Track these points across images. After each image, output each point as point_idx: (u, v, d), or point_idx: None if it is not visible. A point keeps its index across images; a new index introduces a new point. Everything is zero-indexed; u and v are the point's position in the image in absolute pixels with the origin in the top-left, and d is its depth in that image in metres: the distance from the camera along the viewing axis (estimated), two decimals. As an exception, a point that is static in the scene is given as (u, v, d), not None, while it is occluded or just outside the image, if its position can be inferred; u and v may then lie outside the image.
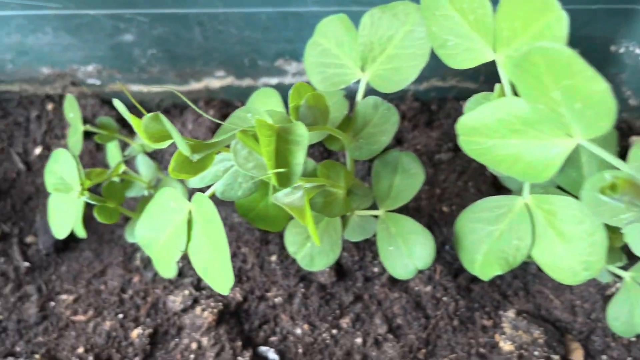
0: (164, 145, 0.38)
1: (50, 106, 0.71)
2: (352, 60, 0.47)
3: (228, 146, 0.37)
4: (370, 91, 0.47)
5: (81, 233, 0.49)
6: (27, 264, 0.62)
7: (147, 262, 0.60)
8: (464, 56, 0.39)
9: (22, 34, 0.63)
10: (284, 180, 0.34)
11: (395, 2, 0.44)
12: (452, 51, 0.39)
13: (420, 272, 0.55)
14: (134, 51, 0.64)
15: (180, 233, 0.40)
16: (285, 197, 0.35)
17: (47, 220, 0.63)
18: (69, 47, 0.64)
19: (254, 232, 0.60)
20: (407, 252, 0.46)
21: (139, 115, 0.66)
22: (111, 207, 0.46)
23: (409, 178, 0.46)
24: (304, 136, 0.34)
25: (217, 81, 0.67)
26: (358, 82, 0.47)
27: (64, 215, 0.45)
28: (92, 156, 0.69)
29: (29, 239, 0.64)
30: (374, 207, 0.50)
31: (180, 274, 0.60)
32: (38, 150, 0.69)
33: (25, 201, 0.66)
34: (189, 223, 0.40)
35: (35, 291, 0.60)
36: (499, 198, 0.45)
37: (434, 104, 0.68)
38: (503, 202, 0.44)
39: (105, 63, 0.66)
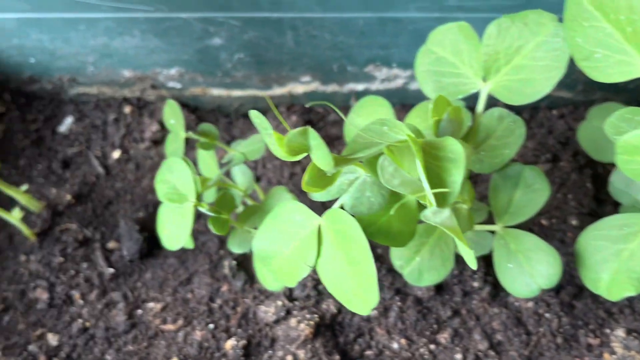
0: (299, 158, 0.37)
1: (127, 109, 0.70)
2: (472, 70, 0.45)
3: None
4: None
5: (189, 244, 0.47)
6: (111, 270, 0.61)
7: (236, 271, 0.59)
8: (613, 69, 0.37)
9: (109, 36, 0.62)
10: (441, 199, 0.32)
11: (526, 12, 0.42)
12: (599, 64, 0.38)
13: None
14: (221, 55, 0.63)
15: (307, 248, 0.39)
16: (434, 216, 0.34)
17: (131, 228, 0.62)
18: (155, 50, 0.63)
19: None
20: (530, 270, 0.44)
21: (214, 120, 0.65)
22: (225, 217, 0.45)
23: (531, 193, 0.45)
24: (459, 153, 0.33)
25: (301, 86, 0.66)
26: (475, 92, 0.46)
27: (177, 226, 0.44)
28: (171, 161, 0.68)
29: (111, 245, 0.63)
30: (486, 222, 0.49)
31: (269, 283, 0.59)
32: (117, 154, 0.68)
33: (105, 206, 0.66)
34: (319, 238, 0.38)
35: (122, 298, 0.59)
36: (627, 216, 0.43)
37: (526, 112, 0.66)
38: (632, 220, 0.43)
39: (188, 67, 0.65)
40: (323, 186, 0.39)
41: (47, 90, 0.71)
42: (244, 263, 0.60)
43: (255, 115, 0.36)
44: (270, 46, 0.61)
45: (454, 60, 0.46)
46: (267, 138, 0.37)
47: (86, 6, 0.58)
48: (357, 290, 0.36)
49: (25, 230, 0.62)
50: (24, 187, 0.60)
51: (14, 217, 0.59)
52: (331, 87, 0.65)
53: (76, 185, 0.66)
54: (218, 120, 0.70)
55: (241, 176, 0.53)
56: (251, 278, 0.59)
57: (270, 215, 0.41)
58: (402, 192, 0.34)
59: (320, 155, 0.34)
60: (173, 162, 0.44)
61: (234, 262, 0.60)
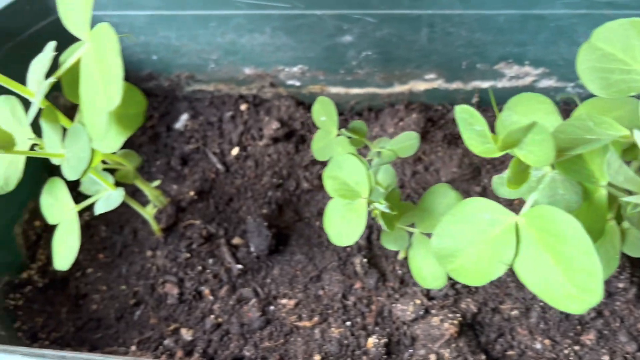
0: (502, 154, 0.36)
1: (243, 107, 0.71)
2: (646, 66, 0.44)
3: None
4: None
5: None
6: (239, 266, 0.61)
7: (367, 269, 0.59)
8: None
9: (238, 33, 0.62)
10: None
11: None
12: None
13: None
14: (348, 52, 0.62)
15: (502, 246, 0.38)
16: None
17: (259, 224, 0.62)
18: (281, 47, 0.63)
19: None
20: None
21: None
22: (395, 214, 0.45)
23: None
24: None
25: (423, 84, 0.65)
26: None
27: (349, 222, 0.44)
28: (289, 158, 0.68)
29: (235, 241, 0.63)
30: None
31: (402, 281, 0.58)
32: (235, 151, 0.69)
33: (227, 202, 0.66)
34: (517, 236, 0.38)
35: (253, 294, 0.59)
36: None
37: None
38: None
39: (312, 64, 0.65)
40: (520, 183, 0.38)
41: (163, 87, 0.72)
42: (374, 260, 0.60)
43: (462, 110, 0.36)
44: (401, 43, 0.60)
45: (623, 57, 0.46)
46: (469, 133, 0.37)
47: (221, 3, 0.59)
48: (569, 290, 0.35)
49: (154, 225, 0.62)
50: (156, 182, 0.61)
51: (148, 212, 0.60)
52: (455, 85, 0.65)
53: (197, 182, 0.67)
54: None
55: (385, 174, 0.53)
56: (383, 275, 0.59)
57: (451, 212, 0.41)
58: (628, 189, 0.34)
59: (543, 150, 0.33)
60: (343, 158, 0.44)
61: (365, 260, 0.59)
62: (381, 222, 0.45)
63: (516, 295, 0.56)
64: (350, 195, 0.44)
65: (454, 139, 0.65)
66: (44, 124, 0.46)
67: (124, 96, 0.37)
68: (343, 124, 0.70)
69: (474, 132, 0.37)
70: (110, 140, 0.41)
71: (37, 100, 0.43)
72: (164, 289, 0.61)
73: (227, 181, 0.67)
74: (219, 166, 0.68)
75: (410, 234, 0.50)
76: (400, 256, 0.60)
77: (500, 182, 0.43)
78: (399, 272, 0.59)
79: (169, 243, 0.63)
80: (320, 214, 0.65)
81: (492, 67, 0.62)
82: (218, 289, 0.60)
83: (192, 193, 0.66)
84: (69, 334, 0.60)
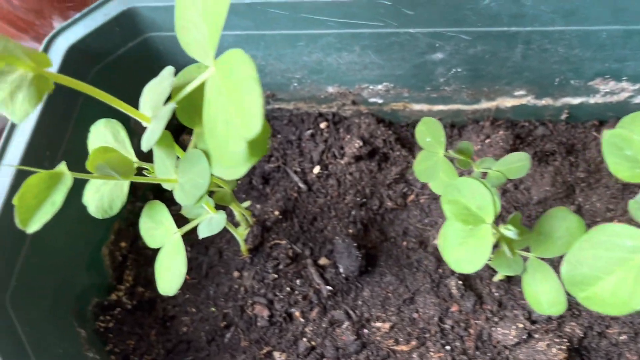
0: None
1: (323, 124, 0.70)
2: None
3: None
4: None
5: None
6: (329, 287, 0.60)
7: (464, 291, 0.58)
8: None
9: (325, 52, 0.62)
10: None
11: None
12: None
13: None
14: (437, 69, 0.62)
15: (646, 275, 0.37)
16: None
17: (349, 245, 0.61)
18: (368, 66, 0.62)
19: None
20: None
21: (411, 136, 0.61)
22: (518, 240, 0.44)
23: None
24: None
25: (511, 100, 0.64)
26: None
27: (471, 248, 0.42)
28: (372, 176, 0.67)
29: (322, 261, 0.63)
30: None
31: (500, 304, 0.57)
32: (316, 170, 0.68)
33: (311, 222, 0.65)
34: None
35: (345, 317, 0.59)
36: None
37: None
38: None
39: (398, 82, 0.64)
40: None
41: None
42: (469, 282, 0.59)
43: (613, 135, 0.35)
44: (493, 60, 0.59)
45: None
46: (617, 158, 0.36)
47: (312, 22, 0.58)
48: None
49: (243, 246, 0.61)
50: (246, 203, 0.60)
51: (240, 233, 0.59)
52: (544, 101, 0.64)
53: (280, 201, 0.66)
54: (413, 136, 0.69)
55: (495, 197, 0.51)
56: (480, 298, 0.58)
57: (584, 238, 0.40)
58: None
59: None
60: (463, 182, 0.43)
61: (460, 282, 0.58)
62: (504, 248, 0.44)
63: (623, 319, 0.54)
64: (472, 220, 0.43)
65: (545, 156, 0.64)
66: (157, 149, 0.46)
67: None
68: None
69: (623, 157, 0.35)
70: (238, 167, 0.41)
71: (160, 126, 0.42)
72: (253, 311, 0.60)
73: (310, 200, 0.66)
74: (301, 185, 0.67)
75: (525, 258, 0.48)
76: (496, 278, 0.58)
77: (637, 207, 0.42)
78: (496, 294, 0.58)
79: (255, 263, 0.62)
80: (406, 233, 0.64)
81: (586, 83, 0.60)
82: (309, 310, 0.59)
83: (276, 212, 0.65)
84: (160, 357, 0.59)
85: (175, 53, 0.63)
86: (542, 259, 0.47)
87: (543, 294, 0.47)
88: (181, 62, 0.44)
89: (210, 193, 0.55)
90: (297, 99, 0.69)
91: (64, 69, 0.58)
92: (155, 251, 0.50)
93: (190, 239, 0.66)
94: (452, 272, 0.59)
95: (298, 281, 0.61)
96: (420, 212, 0.65)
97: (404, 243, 0.63)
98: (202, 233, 0.51)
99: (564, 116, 0.65)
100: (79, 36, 0.59)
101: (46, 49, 0.59)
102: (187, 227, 0.51)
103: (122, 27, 0.60)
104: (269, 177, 0.69)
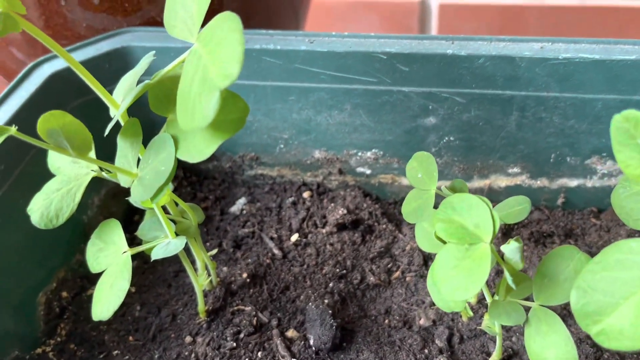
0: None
1: (306, 194, 0.66)
2: None
3: None
4: None
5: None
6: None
7: (454, 372, 0.49)
8: None
9: (316, 109, 0.60)
10: None
11: None
12: None
13: None
14: (429, 137, 0.60)
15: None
16: None
17: (323, 312, 0.53)
18: (358, 128, 0.60)
19: None
20: None
21: (398, 213, 0.56)
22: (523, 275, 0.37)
23: None
24: None
25: (505, 179, 0.61)
26: None
27: (466, 272, 0.36)
28: (354, 249, 0.61)
29: (290, 334, 0.54)
30: None
31: None
32: (294, 238, 0.62)
33: (282, 290, 0.58)
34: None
35: (311, 395, 0.49)
36: None
37: None
38: None
39: (387, 149, 0.62)
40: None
41: (223, 169, 0.68)
42: (460, 365, 0.50)
43: (625, 118, 0.31)
44: (487, 129, 0.58)
45: None
46: (628, 150, 0.32)
47: (305, 74, 0.57)
48: None
49: (201, 303, 0.53)
50: (213, 251, 0.54)
51: (200, 283, 0.52)
52: (539, 182, 0.61)
53: (251, 266, 0.59)
54: (400, 213, 0.65)
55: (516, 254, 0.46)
56: (473, 383, 0.48)
57: (596, 259, 0.34)
58: None
59: None
60: (458, 198, 0.38)
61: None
62: (507, 276, 0.37)
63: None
64: (469, 239, 0.37)
65: (542, 238, 0.59)
66: (121, 140, 0.41)
67: (224, 103, 0.32)
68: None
69: (636, 149, 0.31)
70: (201, 144, 0.36)
71: (125, 103, 0.38)
72: (202, 382, 0.50)
73: (284, 268, 0.60)
74: (276, 251, 0.61)
75: (527, 308, 0.41)
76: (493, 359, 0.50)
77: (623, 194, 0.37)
78: None
79: (212, 329, 0.54)
80: (388, 312, 0.56)
81: (583, 161, 0.58)
82: (268, 387, 0.49)
83: (244, 275, 0.58)
84: None
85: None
86: (548, 307, 0.40)
87: (549, 350, 0.39)
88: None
89: (173, 222, 0.49)
90: (281, 163, 0.65)
91: (43, 94, 0.56)
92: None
93: (141, 297, 0.58)
94: (440, 352, 0.51)
95: (260, 353, 0.52)
96: (406, 291, 0.58)
97: (386, 321, 0.55)
98: (156, 254, 0.44)
99: (560, 201, 0.61)
100: (64, 66, 0.57)
101: (28, 73, 0.57)
102: (141, 248, 0.44)
103: (112, 64, 0.59)
104: (241, 243, 0.63)
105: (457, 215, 0.38)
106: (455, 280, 0.37)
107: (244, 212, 0.65)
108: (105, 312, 0.40)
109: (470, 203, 0.38)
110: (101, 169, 0.43)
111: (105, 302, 0.41)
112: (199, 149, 0.37)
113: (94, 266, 0.45)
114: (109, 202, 0.63)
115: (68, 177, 0.45)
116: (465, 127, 0.58)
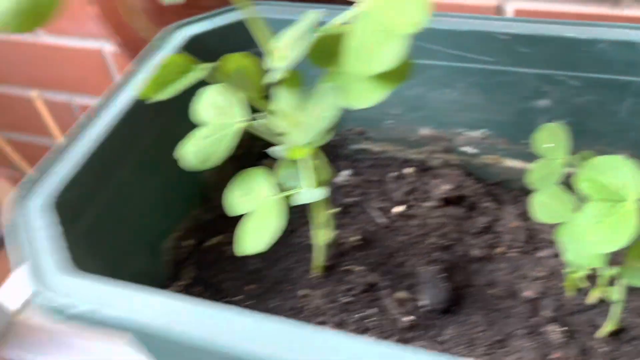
0: None
1: (408, 170, 0.68)
2: None
3: None
4: None
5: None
6: (409, 318, 0.53)
7: (567, 339, 0.50)
8: None
9: (429, 87, 0.63)
10: None
11: None
12: None
13: None
14: (538, 120, 0.61)
15: None
16: None
17: (434, 275, 0.56)
18: (469, 107, 0.63)
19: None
20: None
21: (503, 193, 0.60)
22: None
23: None
24: None
25: (609, 165, 0.63)
26: None
27: (610, 227, 0.38)
28: (457, 223, 0.63)
29: (400, 295, 0.56)
30: None
31: (609, 360, 0.49)
32: (398, 209, 0.65)
33: (389, 256, 0.60)
34: None
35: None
36: None
37: None
38: None
39: (497, 130, 0.64)
40: None
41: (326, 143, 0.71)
42: (571, 333, 0.52)
43: None
44: (598, 114, 0.59)
45: None
46: None
47: (423, 51, 0.60)
48: None
49: (318, 260, 0.56)
50: (336, 209, 0.56)
51: (321, 238, 0.55)
52: (645, 170, 0.62)
53: (358, 231, 0.62)
54: (503, 193, 0.66)
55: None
56: (584, 351, 0.50)
57: None
58: None
59: None
60: (602, 160, 0.41)
61: (560, 328, 0.51)
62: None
63: None
64: (613, 198, 0.39)
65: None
66: (280, 89, 0.45)
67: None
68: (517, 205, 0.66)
69: None
70: (368, 93, 0.39)
71: (294, 54, 0.42)
72: (319, 331, 0.53)
73: (390, 236, 0.62)
74: (380, 220, 0.63)
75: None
76: (602, 333, 0.51)
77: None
78: (605, 349, 0.50)
79: (325, 285, 0.57)
80: (492, 283, 0.58)
81: (696, 150, 0.59)
82: (383, 339, 0.52)
83: (352, 239, 0.61)
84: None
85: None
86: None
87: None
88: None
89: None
90: (386, 139, 0.68)
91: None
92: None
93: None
94: (550, 320, 0.53)
95: (373, 309, 0.55)
96: (509, 265, 0.59)
97: (491, 292, 0.57)
98: (301, 199, 0.47)
99: (664, 190, 0.62)
100: (201, 30, 0.62)
101: (163, 37, 0.61)
102: (286, 193, 0.48)
103: (239, 34, 0.63)
104: (347, 211, 0.65)
105: (600, 175, 0.40)
106: (600, 234, 0.39)
107: (349, 182, 0.68)
108: (258, 244, 0.43)
109: (615, 164, 0.40)
110: (254, 118, 0.47)
111: (257, 236, 0.44)
112: (366, 96, 0.40)
113: (237, 209, 0.48)
114: (226, 165, 0.67)
115: (214, 126, 0.49)
116: (576, 111, 0.60)
